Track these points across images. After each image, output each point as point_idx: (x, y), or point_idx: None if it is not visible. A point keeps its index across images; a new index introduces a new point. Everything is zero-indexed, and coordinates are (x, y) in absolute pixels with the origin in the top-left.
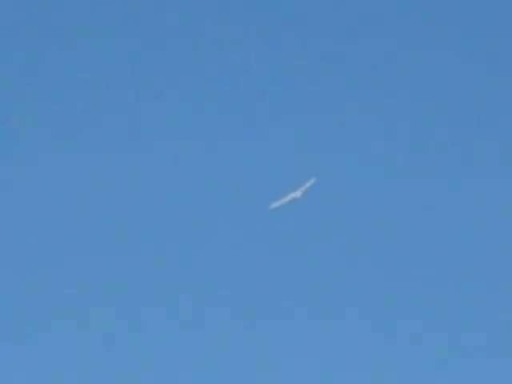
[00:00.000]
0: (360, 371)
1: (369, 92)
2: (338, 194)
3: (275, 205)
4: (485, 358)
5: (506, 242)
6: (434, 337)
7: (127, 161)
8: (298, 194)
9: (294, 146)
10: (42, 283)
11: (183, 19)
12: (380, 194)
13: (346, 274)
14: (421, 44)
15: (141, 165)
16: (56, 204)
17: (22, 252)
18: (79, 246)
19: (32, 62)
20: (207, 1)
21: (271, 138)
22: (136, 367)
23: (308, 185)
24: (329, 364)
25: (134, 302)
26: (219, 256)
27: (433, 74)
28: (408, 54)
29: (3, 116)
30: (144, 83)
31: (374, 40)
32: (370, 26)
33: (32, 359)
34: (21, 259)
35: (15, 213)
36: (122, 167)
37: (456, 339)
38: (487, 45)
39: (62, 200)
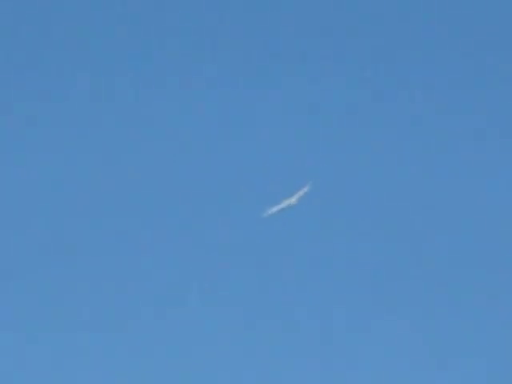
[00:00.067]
0: (359, 371)
1: (366, 96)
2: (333, 199)
3: (270, 211)
4: (484, 358)
5: (507, 242)
6: (434, 337)
7: (126, 161)
8: (293, 200)
9: (290, 152)
10: (41, 283)
11: (183, 19)
12: (376, 199)
13: (342, 276)
14: (420, 44)
15: (136, 170)
16: (56, 204)
17: (21, 252)
18: (78, 246)
19: (32, 61)
20: (207, 1)
21: (268, 142)
22: (136, 367)
23: (303, 191)
24: (328, 365)
25: (132, 301)
26: (216, 259)
27: (432, 74)
28: (407, 54)
29: (3, 116)
30: (144, 83)
31: (373, 40)
32: (370, 26)
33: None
34: (20, 259)
35: (15, 213)
36: (121, 168)
37: (456, 339)
38: (487, 44)
39: (62, 200)
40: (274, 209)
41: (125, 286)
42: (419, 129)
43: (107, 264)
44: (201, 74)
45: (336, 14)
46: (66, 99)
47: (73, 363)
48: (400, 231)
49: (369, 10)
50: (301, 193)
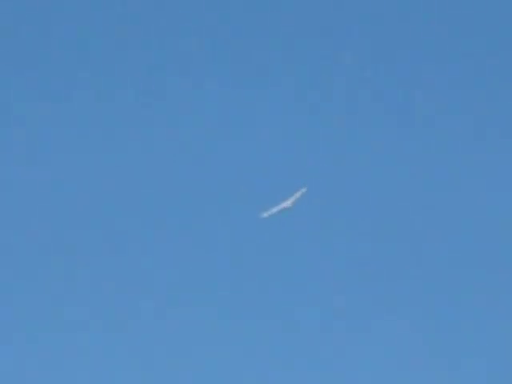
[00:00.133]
0: (360, 371)
1: (363, 100)
2: (333, 200)
3: (266, 214)
4: (484, 358)
5: (507, 242)
6: (434, 337)
7: (126, 161)
8: (288, 203)
9: (290, 152)
10: (42, 283)
11: (183, 19)
12: (376, 199)
13: (342, 276)
14: (420, 44)
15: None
16: (56, 204)
17: (22, 252)
18: (78, 246)
19: (32, 61)
20: (207, 1)
21: (268, 142)
22: (136, 367)
23: (299, 194)
24: (328, 365)
25: (132, 301)
26: (216, 259)
27: (433, 74)
28: (407, 54)
29: (4, 116)
30: (144, 83)
31: (373, 40)
32: (370, 26)
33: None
34: (21, 259)
35: (15, 213)
36: (121, 168)
37: (456, 339)
38: (487, 44)
39: (62, 200)
40: (274, 209)
41: (125, 286)
42: (419, 129)
43: (107, 264)
44: (201, 74)
45: (336, 13)
46: (66, 99)
47: (73, 363)
48: (400, 231)
49: (369, 10)
50: (299, 194)
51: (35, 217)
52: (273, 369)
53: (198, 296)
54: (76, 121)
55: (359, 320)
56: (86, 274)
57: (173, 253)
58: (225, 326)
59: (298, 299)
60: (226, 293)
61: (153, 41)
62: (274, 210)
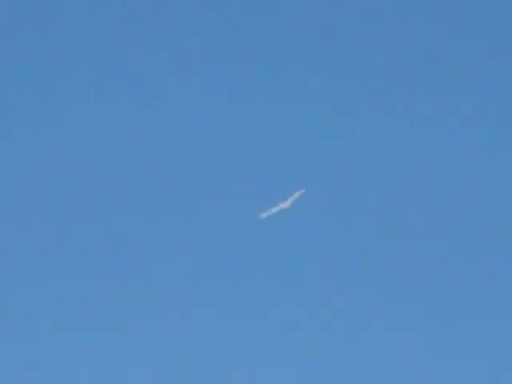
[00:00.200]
0: (360, 371)
1: (362, 100)
2: (333, 199)
3: (265, 215)
4: (484, 358)
5: (507, 242)
6: (434, 337)
7: (126, 162)
8: (287, 204)
9: (289, 152)
10: (42, 283)
11: (183, 19)
12: (376, 199)
13: (342, 276)
14: (421, 44)
15: (135, 171)
16: (56, 204)
17: (22, 252)
18: (78, 246)
19: (32, 61)
20: (207, 1)
21: (268, 142)
22: (136, 367)
23: (298, 195)
24: (328, 365)
25: (132, 301)
26: (216, 259)
27: (433, 74)
28: (408, 54)
29: (4, 116)
30: (144, 83)
31: (373, 40)
32: (370, 26)
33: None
34: (21, 259)
35: (15, 213)
36: (121, 168)
37: (456, 339)
38: (488, 44)
39: (62, 200)
40: (272, 210)
41: (125, 286)
42: (419, 129)
43: (108, 264)
44: (201, 74)
45: (335, 13)
46: (66, 99)
47: (73, 363)
48: (400, 231)
49: (369, 10)
50: (298, 194)
51: (35, 217)
52: (273, 369)
53: (196, 296)
54: (76, 121)
55: (359, 320)
56: (86, 274)
57: (172, 253)
58: (224, 326)
59: (297, 299)
60: (225, 293)
61: (153, 41)
62: (273, 210)
